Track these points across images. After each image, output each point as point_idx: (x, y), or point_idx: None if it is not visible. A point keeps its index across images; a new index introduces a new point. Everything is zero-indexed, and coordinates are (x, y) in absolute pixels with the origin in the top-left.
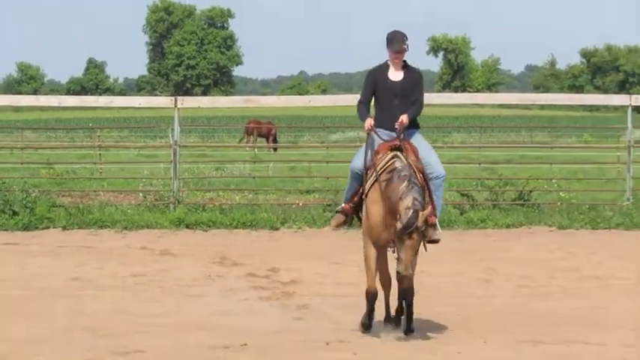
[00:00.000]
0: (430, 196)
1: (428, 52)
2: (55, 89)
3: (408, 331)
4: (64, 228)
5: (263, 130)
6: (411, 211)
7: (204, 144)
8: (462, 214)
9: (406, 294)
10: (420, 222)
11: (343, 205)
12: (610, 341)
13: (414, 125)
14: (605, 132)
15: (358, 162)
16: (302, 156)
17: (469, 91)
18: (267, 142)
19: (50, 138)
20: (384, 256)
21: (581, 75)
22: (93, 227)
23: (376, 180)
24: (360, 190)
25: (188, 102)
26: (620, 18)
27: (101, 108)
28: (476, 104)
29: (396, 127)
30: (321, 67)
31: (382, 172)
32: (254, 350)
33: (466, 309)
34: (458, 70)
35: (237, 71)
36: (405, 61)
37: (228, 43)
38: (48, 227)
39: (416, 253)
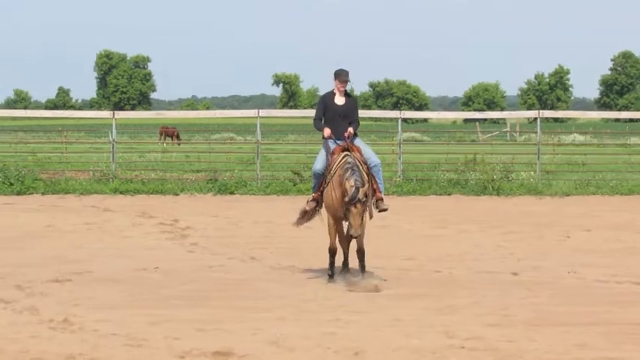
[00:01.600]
0: (374, 179)
1: (272, 84)
2: (37, 107)
3: (363, 271)
4: (43, 194)
5: (169, 132)
6: (354, 187)
7: (131, 141)
8: (294, 185)
9: (361, 250)
10: (360, 195)
11: (313, 194)
12: None
13: (355, 134)
14: (384, 134)
15: (319, 165)
16: (193, 148)
17: (299, 109)
18: (172, 140)
19: (35, 136)
20: (341, 226)
21: (369, 98)
22: (61, 193)
23: (334, 172)
24: (323, 181)
25: (121, 114)
26: (393, 60)
27: (67, 118)
28: (304, 117)
29: (346, 135)
30: (206, 93)
31: (338, 167)
32: (163, 271)
33: (295, 245)
34: (292, 96)
35: (153, 95)
36: (346, 90)
37: (147, 77)
38: (32, 193)
39: (362, 220)
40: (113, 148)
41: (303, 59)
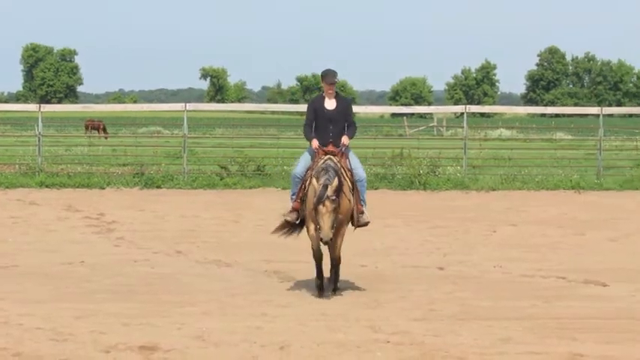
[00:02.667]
0: (358, 193)
1: (200, 78)
2: None
3: (334, 285)
4: None
5: (95, 125)
6: (322, 185)
7: (58, 134)
8: (221, 179)
9: (333, 259)
10: (329, 192)
11: (293, 204)
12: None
13: (346, 148)
14: None
15: (299, 169)
16: (120, 142)
17: (226, 103)
18: (99, 133)
19: None
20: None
21: (296, 93)
22: None
23: (312, 175)
24: (303, 187)
25: (47, 108)
26: (321, 54)
27: None
28: (231, 110)
29: (342, 145)
30: (134, 86)
31: (315, 169)
32: (88, 265)
33: (222, 239)
34: (219, 89)
35: (80, 89)
36: (337, 92)
37: (74, 71)
38: None
39: (336, 226)
40: (39, 141)
41: (230, 53)
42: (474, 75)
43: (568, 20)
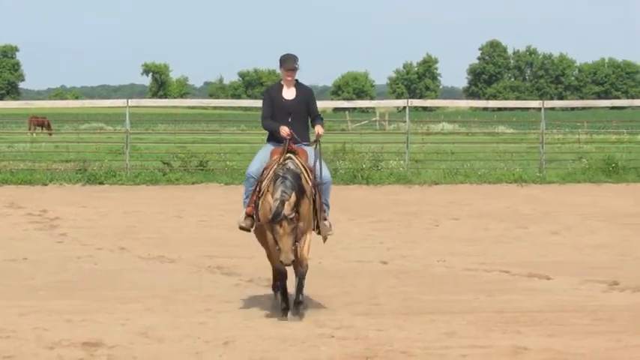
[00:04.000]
0: (320, 197)
1: (142, 73)
2: None
3: (300, 301)
4: None
5: (40, 122)
6: (278, 201)
7: (0, 131)
8: (164, 175)
9: (301, 274)
10: (286, 210)
11: (246, 209)
12: None
13: (304, 139)
14: (254, 124)
15: (253, 169)
16: (63, 138)
17: (169, 98)
18: (42, 130)
19: None
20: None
21: (239, 88)
22: None
23: (271, 177)
24: (257, 189)
25: None
26: (262, 49)
27: None
28: (173, 106)
29: (317, 134)
30: (75, 82)
31: (274, 170)
32: (31, 262)
33: (165, 235)
34: (161, 85)
35: (22, 85)
36: (296, 80)
37: (15, 67)
38: None
39: (293, 243)
40: None
41: (172, 48)
42: (416, 69)
43: (509, 14)
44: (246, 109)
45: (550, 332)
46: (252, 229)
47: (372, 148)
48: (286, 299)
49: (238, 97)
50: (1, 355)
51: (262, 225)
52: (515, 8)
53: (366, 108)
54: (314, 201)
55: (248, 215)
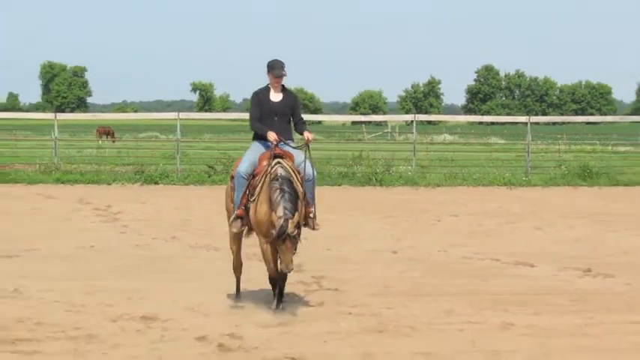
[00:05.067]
0: (305, 193)
1: (190, 91)
2: None
3: (280, 299)
4: None
5: (106, 131)
6: (282, 220)
7: (71, 139)
8: (209, 176)
9: (284, 278)
10: (290, 229)
11: (237, 211)
12: None
13: (288, 138)
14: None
15: (244, 168)
16: (124, 145)
17: (213, 112)
18: (107, 138)
19: None
20: (274, 247)
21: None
22: (11, 183)
23: (263, 184)
24: (248, 192)
25: (62, 116)
26: (292, 69)
27: (16, 119)
28: (217, 119)
29: (307, 139)
30: (135, 97)
31: (268, 177)
32: (98, 249)
33: (210, 227)
34: (207, 100)
35: (89, 100)
36: (283, 85)
37: (84, 85)
38: None
39: (294, 254)
40: (55, 144)
41: (216, 69)
42: (422, 89)
43: (501, 42)
44: None
45: (534, 311)
46: (242, 230)
47: (385, 156)
48: (281, 295)
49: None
50: (72, 326)
51: (259, 226)
52: (506, 37)
53: (380, 121)
54: (302, 197)
55: (237, 217)
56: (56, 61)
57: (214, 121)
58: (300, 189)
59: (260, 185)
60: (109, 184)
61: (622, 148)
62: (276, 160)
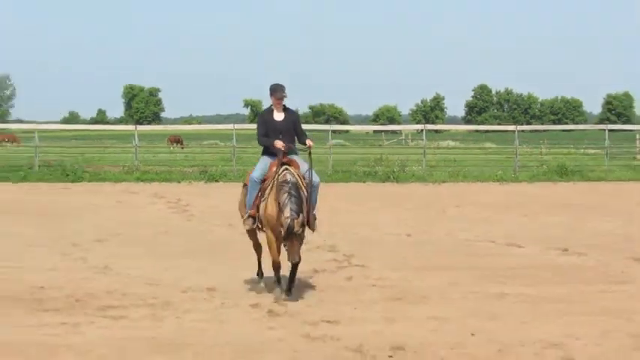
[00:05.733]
0: (309, 197)
1: (243, 106)
2: (84, 122)
3: (291, 283)
4: (88, 181)
5: (177, 139)
6: (289, 219)
7: (148, 145)
8: None
9: (296, 265)
10: (296, 227)
11: (249, 211)
12: None
13: (294, 152)
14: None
15: (257, 174)
16: (191, 151)
17: None
18: (177, 145)
19: (83, 143)
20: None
21: (308, 116)
22: (100, 181)
23: (273, 186)
24: (259, 194)
25: (141, 128)
26: (324, 88)
27: (104, 130)
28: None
29: (309, 146)
30: (199, 112)
31: (277, 180)
32: (171, 233)
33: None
34: (257, 114)
35: (162, 114)
36: (284, 105)
37: (158, 102)
38: (81, 181)
39: (300, 247)
40: (136, 150)
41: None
42: (429, 103)
43: (493, 65)
44: (311, 130)
45: (523, 283)
46: (254, 227)
47: (400, 158)
48: (279, 280)
49: (307, 122)
50: (151, 296)
51: (268, 222)
52: (497, 61)
53: (396, 130)
54: (306, 200)
55: (250, 216)
56: (136, 83)
57: None
58: (305, 193)
59: (270, 187)
60: (179, 182)
61: (591, 151)
62: (284, 167)
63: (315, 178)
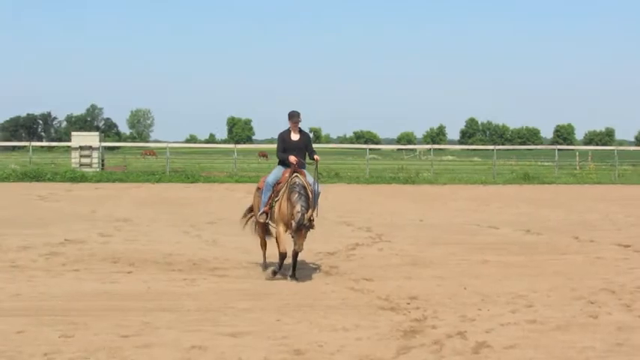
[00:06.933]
0: (314, 202)
1: (309, 131)
2: (197, 141)
3: (294, 271)
4: (203, 182)
5: (263, 154)
6: (300, 213)
7: (243, 159)
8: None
9: (297, 254)
10: (305, 220)
11: (264, 207)
12: None
13: (303, 166)
14: (360, 156)
15: (271, 179)
16: (274, 162)
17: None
18: (264, 158)
19: (201, 156)
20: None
21: (353, 139)
22: (211, 182)
23: (286, 188)
24: (273, 195)
25: (239, 146)
26: (363, 118)
27: (217, 147)
28: (322, 147)
29: (316, 159)
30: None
31: (288, 184)
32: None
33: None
34: (316, 138)
35: (254, 137)
36: (299, 128)
37: (250, 129)
38: (198, 182)
39: (305, 236)
40: (235, 161)
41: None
42: (435, 130)
43: (481, 101)
44: (355, 149)
45: (499, 253)
46: (267, 221)
47: (415, 167)
48: (281, 267)
49: (352, 143)
50: (245, 261)
51: (281, 218)
52: (484, 98)
53: (413, 149)
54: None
55: (264, 212)
56: (235, 115)
57: (323, 148)
58: (311, 197)
59: (283, 189)
60: (223, 182)
61: (546, 163)
62: (295, 174)
63: (318, 188)
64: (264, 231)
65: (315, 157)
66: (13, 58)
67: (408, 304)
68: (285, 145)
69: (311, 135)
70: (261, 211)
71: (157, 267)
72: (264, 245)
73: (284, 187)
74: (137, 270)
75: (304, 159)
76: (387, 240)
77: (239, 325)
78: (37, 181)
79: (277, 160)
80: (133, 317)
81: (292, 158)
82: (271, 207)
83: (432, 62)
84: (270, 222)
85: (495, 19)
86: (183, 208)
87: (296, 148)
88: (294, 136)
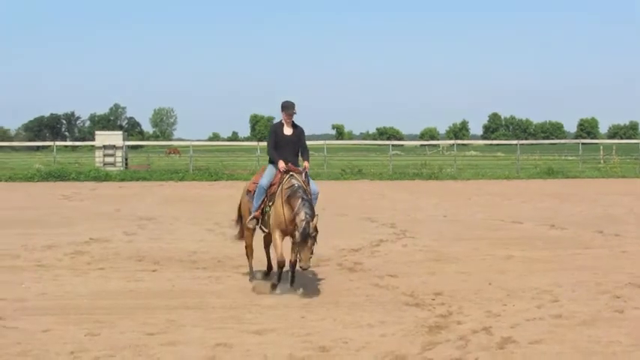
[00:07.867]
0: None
1: (332, 128)
2: (220, 140)
3: (292, 281)
4: (226, 180)
5: None
6: (305, 222)
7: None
8: (342, 175)
9: (295, 264)
10: (311, 229)
11: (254, 212)
12: None
13: (295, 162)
14: (383, 152)
15: (264, 182)
16: None
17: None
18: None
19: (223, 154)
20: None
21: (376, 136)
22: (234, 180)
23: (281, 191)
24: (266, 199)
25: (261, 143)
26: (385, 115)
27: (238, 145)
28: (347, 144)
29: (304, 169)
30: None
31: (284, 186)
32: None
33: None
34: (340, 134)
35: None
36: (293, 121)
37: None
38: (221, 180)
39: (311, 253)
40: (257, 159)
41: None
42: (458, 126)
43: (503, 97)
44: (378, 145)
45: (524, 248)
46: (257, 226)
47: (438, 163)
48: (280, 278)
49: (375, 139)
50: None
51: (277, 224)
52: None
53: (436, 144)
54: None
55: (254, 217)
56: (258, 113)
57: (345, 145)
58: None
59: (278, 191)
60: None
61: (570, 158)
62: (289, 174)
63: (315, 189)
64: (251, 237)
65: (305, 163)
66: (37, 58)
67: (433, 299)
68: (277, 139)
69: (333, 132)
70: (251, 216)
71: (181, 265)
72: (250, 254)
73: (278, 189)
74: (162, 268)
75: (297, 156)
76: (411, 236)
77: (264, 322)
78: (62, 180)
79: (268, 159)
80: (158, 315)
81: (282, 165)
82: (263, 212)
83: (454, 57)
84: (262, 227)
85: (516, 13)
86: (206, 206)
87: (289, 143)
88: (287, 130)
